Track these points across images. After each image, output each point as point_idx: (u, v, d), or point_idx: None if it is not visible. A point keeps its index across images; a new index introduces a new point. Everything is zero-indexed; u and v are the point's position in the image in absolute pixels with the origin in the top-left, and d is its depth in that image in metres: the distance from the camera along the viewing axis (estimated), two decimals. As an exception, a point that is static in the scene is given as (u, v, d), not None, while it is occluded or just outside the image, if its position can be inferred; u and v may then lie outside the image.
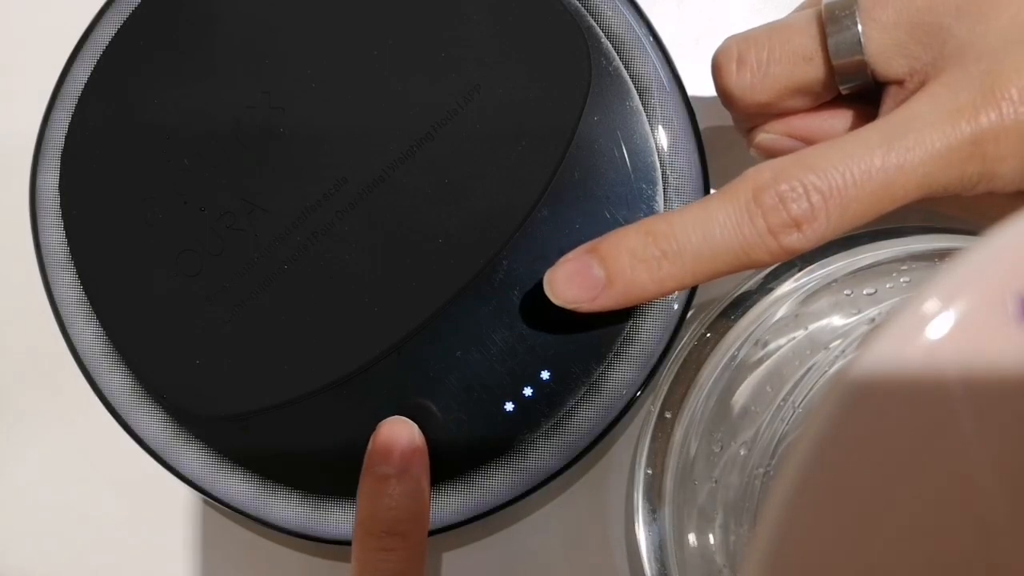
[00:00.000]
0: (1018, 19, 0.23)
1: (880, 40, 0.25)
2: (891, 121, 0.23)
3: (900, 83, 0.25)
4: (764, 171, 0.23)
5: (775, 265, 0.29)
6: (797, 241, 0.23)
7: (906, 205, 0.24)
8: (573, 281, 0.25)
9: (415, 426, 0.27)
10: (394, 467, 0.26)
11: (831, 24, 0.25)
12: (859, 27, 0.25)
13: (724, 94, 0.27)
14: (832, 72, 0.26)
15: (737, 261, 0.24)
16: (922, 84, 0.24)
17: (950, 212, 0.27)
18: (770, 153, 0.28)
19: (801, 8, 0.29)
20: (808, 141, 0.27)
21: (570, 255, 0.25)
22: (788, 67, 0.26)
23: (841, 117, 0.27)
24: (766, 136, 0.28)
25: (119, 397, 0.28)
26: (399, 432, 0.27)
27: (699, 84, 0.31)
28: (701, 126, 0.29)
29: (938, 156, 0.23)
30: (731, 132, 0.30)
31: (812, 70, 0.26)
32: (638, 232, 0.24)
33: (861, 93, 0.26)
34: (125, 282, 0.28)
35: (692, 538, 0.28)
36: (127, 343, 0.28)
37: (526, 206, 0.28)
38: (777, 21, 0.27)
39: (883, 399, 0.14)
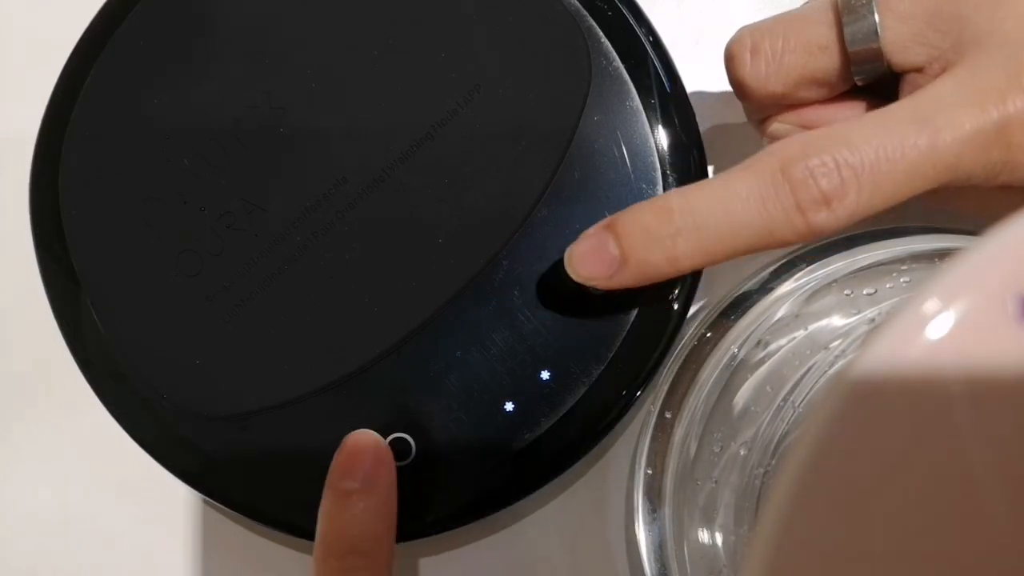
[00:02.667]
0: None
1: (897, 29, 0.25)
2: (919, 100, 0.23)
3: (919, 71, 0.25)
4: (793, 144, 0.22)
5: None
6: (825, 220, 0.22)
7: (918, 197, 0.23)
8: (590, 258, 0.24)
9: (381, 438, 0.26)
10: (358, 482, 0.25)
11: (847, 13, 0.25)
12: (876, 16, 0.25)
13: (737, 84, 0.27)
14: (847, 62, 0.25)
15: (759, 240, 0.23)
16: (943, 70, 0.24)
17: (960, 208, 0.27)
18: None
19: None
20: None
21: (590, 230, 0.25)
22: (803, 56, 0.26)
23: (856, 109, 0.27)
24: (780, 127, 0.27)
25: (119, 397, 0.28)
26: (364, 444, 0.25)
27: (699, 84, 0.31)
28: (701, 126, 0.29)
29: (967, 139, 0.22)
30: (731, 132, 0.30)
31: (827, 59, 0.26)
32: (653, 207, 0.24)
33: (875, 84, 0.26)
34: (125, 282, 0.28)
35: (692, 538, 0.28)
36: (127, 343, 0.28)
37: (526, 206, 0.28)
38: (791, 10, 0.27)
39: (883, 399, 0.14)
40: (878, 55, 0.25)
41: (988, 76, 0.23)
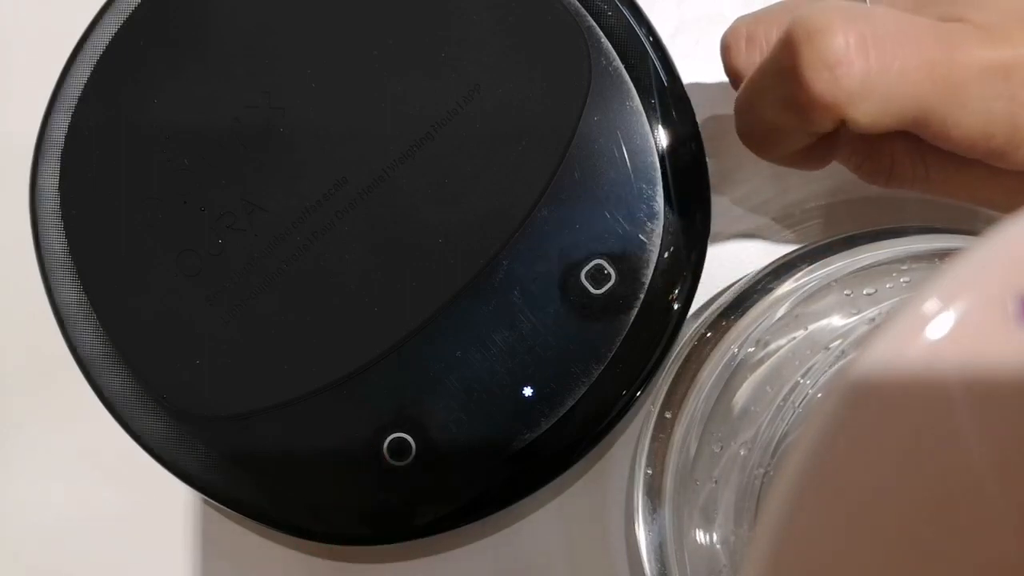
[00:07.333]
0: None
1: None
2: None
3: None
4: None
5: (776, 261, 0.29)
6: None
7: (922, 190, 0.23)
8: None
9: None
10: None
11: None
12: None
13: (733, 73, 0.27)
14: None
15: None
16: None
17: (959, 193, 0.26)
18: None
19: None
20: None
21: None
22: None
23: None
24: None
25: (119, 397, 0.28)
26: None
27: (699, 84, 0.31)
28: (701, 125, 0.29)
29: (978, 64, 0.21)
30: (731, 131, 0.30)
31: None
32: None
33: None
34: (125, 282, 0.28)
35: (692, 538, 0.28)
36: (127, 343, 0.28)
37: (526, 206, 0.28)
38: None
39: (883, 399, 0.14)
40: None
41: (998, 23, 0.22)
